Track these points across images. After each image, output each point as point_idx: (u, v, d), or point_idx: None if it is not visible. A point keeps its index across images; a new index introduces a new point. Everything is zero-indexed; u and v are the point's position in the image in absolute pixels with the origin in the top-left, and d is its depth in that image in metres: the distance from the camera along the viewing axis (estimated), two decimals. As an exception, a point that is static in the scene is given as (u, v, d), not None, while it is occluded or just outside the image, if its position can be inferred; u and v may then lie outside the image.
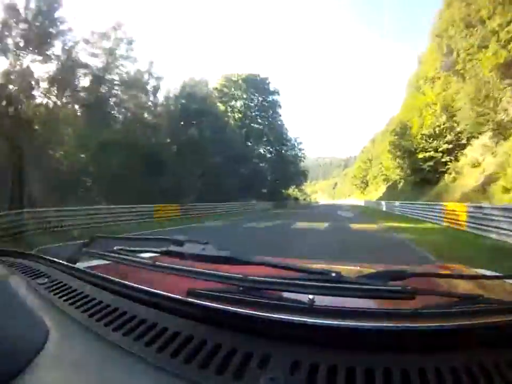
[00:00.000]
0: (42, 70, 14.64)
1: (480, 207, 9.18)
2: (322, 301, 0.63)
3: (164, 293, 0.66)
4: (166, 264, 0.81)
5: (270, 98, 40.70)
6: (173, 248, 0.85)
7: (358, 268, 1.20)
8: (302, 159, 47.57)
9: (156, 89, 21.66)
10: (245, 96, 37.95)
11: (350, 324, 0.55)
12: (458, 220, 10.41)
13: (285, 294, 0.66)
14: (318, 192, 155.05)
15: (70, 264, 0.91)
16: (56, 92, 14.84)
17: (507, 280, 0.95)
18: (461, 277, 0.98)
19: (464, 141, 20.83)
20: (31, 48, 13.60)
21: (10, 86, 12.48)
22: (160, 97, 22.67)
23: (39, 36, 13.65)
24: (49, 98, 14.51)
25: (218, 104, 33.33)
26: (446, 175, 21.69)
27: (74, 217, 10.40)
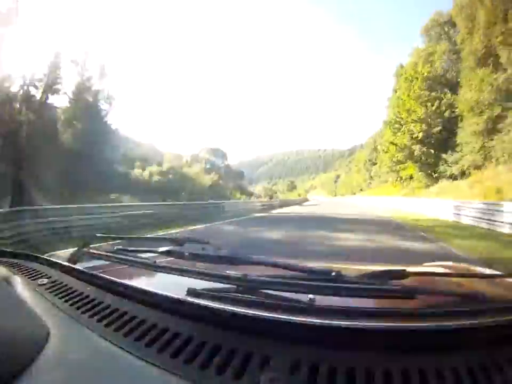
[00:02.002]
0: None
1: None
2: (323, 300, 0.63)
3: (164, 293, 0.66)
4: (166, 264, 0.81)
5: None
6: (173, 248, 0.85)
7: (359, 267, 1.21)
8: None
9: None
10: None
11: (351, 323, 0.55)
12: None
13: (285, 294, 0.66)
14: (316, 187, 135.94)
15: (70, 265, 0.91)
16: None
17: (508, 279, 0.95)
18: (462, 276, 0.98)
19: None
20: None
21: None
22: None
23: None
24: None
25: None
26: None
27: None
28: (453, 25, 24.77)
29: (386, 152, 28.98)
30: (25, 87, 17.23)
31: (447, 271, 1.21)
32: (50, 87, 18.62)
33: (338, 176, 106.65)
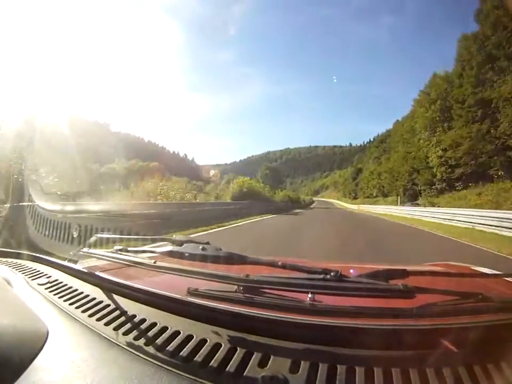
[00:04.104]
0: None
1: None
2: (322, 300, 0.66)
3: (164, 293, 0.70)
4: (166, 264, 0.84)
5: None
6: (173, 248, 0.88)
7: (358, 266, 1.23)
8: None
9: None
10: None
11: (350, 323, 0.59)
12: None
13: (285, 293, 0.69)
14: (329, 187, 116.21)
15: (70, 265, 0.96)
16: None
17: (507, 279, 0.97)
18: (461, 275, 1.01)
19: None
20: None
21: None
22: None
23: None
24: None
25: None
26: None
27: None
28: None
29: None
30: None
31: (446, 271, 1.23)
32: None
33: (359, 171, 68.13)
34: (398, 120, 52.94)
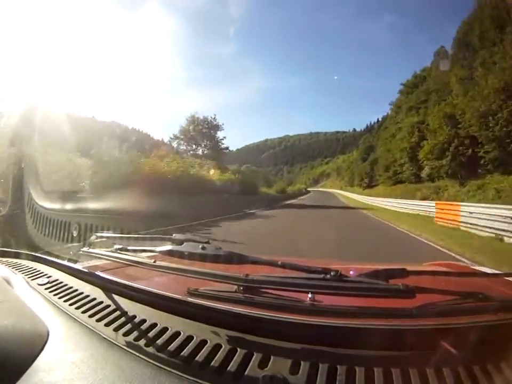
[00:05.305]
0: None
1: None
2: (323, 299, 0.67)
3: (164, 293, 0.71)
4: (166, 264, 0.85)
5: None
6: (173, 247, 0.89)
7: (358, 266, 1.24)
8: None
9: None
10: None
11: (350, 323, 0.60)
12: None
13: (285, 293, 0.70)
14: (330, 175, 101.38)
15: (70, 264, 0.97)
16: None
17: (507, 278, 0.99)
18: (461, 275, 1.03)
19: None
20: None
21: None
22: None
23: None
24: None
25: None
26: None
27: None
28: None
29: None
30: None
31: (447, 270, 1.25)
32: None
33: (371, 150, 50.31)
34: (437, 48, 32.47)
